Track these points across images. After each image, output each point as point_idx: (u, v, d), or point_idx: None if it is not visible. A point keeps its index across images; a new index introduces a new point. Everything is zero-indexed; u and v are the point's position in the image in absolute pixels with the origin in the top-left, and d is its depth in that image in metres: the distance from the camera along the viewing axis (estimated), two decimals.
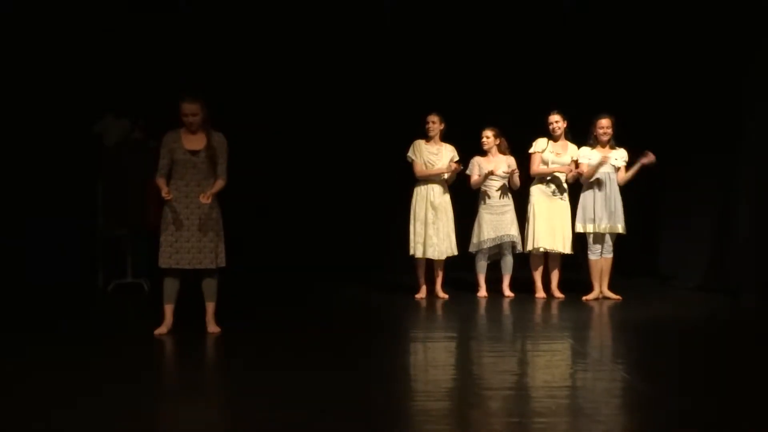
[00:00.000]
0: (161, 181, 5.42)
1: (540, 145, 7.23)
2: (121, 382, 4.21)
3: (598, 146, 7.04)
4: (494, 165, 7.22)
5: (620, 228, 6.98)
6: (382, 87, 8.84)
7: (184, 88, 5.76)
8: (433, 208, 7.12)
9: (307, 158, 8.98)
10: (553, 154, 7.15)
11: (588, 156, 7.03)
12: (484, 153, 7.31)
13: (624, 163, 7.03)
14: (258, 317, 6.32)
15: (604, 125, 7.00)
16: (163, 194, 5.33)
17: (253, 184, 7.95)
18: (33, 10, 7.93)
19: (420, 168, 7.16)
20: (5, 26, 7.87)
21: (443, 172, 7.10)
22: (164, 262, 5.41)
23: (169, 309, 5.50)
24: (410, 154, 7.22)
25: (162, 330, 5.46)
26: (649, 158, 6.90)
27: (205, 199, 5.32)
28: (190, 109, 5.38)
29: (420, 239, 7.15)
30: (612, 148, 7.05)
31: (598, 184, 6.95)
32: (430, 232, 7.10)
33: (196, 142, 5.44)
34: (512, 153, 7.33)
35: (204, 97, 5.49)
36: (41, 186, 8.05)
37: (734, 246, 7.48)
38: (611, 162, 6.96)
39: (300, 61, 8.84)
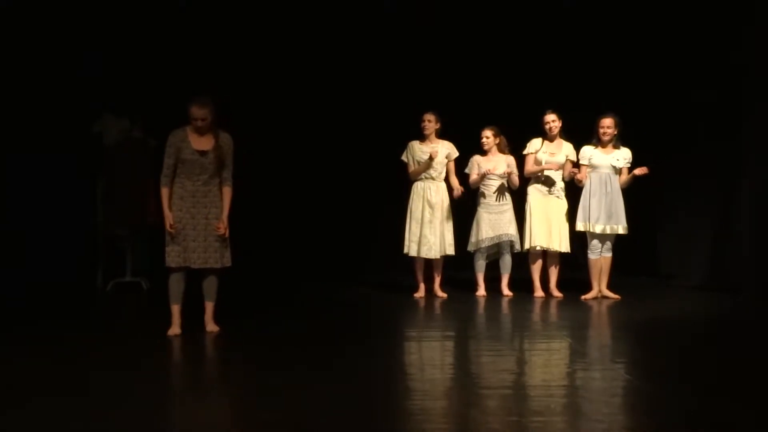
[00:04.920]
0: (165, 193, 5.34)
1: (534, 145, 7.24)
2: (119, 381, 4.20)
3: (600, 146, 7.03)
4: (494, 164, 7.22)
5: (620, 228, 6.96)
6: (380, 86, 8.83)
7: (187, 89, 5.71)
8: (430, 206, 7.11)
9: (304, 157, 8.97)
10: (546, 153, 7.15)
11: (588, 155, 7.02)
12: (484, 152, 7.30)
13: (627, 164, 6.99)
14: (255, 317, 6.31)
15: (606, 125, 6.97)
16: (168, 226, 5.29)
17: (248, 183, 7.94)
18: (31, 8, 7.91)
19: (412, 169, 7.17)
20: (4, 24, 7.85)
21: (430, 163, 7.00)
22: (173, 261, 5.34)
23: (176, 309, 5.43)
24: (403, 156, 7.24)
25: (175, 330, 5.38)
26: (642, 170, 6.86)
27: (221, 231, 5.34)
28: (200, 114, 5.27)
29: (414, 238, 7.14)
30: (615, 147, 7.00)
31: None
32: (426, 230, 7.09)
33: (204, 142, 5.35)
34: (511, 152, 7.33)
35: (212, 98, 5.37)
36: (41, 185, 8.03)
37: (734, 245, 7.47)
38: (613, 162, 6.94)
39: (297, 62, 8.83)
